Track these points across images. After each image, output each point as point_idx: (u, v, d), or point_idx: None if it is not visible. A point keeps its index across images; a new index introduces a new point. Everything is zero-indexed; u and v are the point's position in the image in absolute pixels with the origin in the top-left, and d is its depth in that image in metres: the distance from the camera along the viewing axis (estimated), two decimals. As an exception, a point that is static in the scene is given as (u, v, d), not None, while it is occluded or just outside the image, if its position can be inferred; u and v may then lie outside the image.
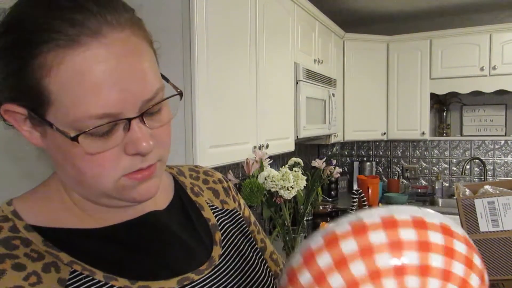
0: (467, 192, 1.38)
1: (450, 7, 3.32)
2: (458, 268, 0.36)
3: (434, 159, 3.87)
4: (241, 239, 0.66)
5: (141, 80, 0.46)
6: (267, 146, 1.91)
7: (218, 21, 1.54)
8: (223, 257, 0.60)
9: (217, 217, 0.66)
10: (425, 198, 3.68)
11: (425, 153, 3.89)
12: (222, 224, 0.65)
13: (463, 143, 3.75)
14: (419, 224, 0.37)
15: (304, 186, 1.49)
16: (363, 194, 2.81)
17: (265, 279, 0.64)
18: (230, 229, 0.66)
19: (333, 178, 1.75)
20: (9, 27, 0.45)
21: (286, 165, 1.56)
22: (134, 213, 0.56)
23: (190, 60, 1.40)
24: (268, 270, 0.66)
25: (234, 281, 0.59)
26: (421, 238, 0.36)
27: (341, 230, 0.38)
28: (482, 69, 3.31)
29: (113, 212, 0.54)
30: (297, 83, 2.31)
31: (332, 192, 3.57)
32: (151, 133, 0.48)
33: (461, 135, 3.77)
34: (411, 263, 0.35)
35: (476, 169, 3.72)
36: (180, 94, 0.51)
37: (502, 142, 3.64)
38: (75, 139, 0.44)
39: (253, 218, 0.74)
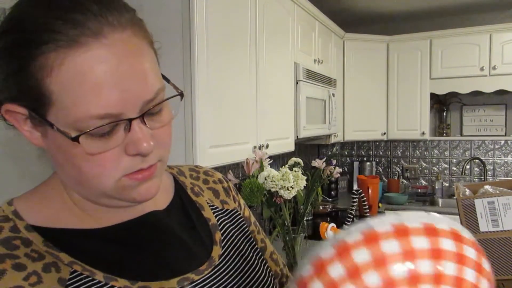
0: (467, 192, 1.38)
1: (450, 7, 3.32)
2: (469, 275, 0.36)
3: (434, 159, 3.87)
4: (241, 239, 0.66)
5: (142, 80, 0.46)
6: (267, 146, 1.91)
7: (218, 21, 1.54)
8: (223, 257, 0.60)
9: (217, 217, 0.66)
10: (425, 198, 3.68)
11: (425, 153, 3.89)
12: (222, 224, 0.65)
13: (463, 143, 3.75)
14: (431, 231, 0.36)
15: (304, 186, 1.49)
16: (363, 194, 2.81)
17: (265, 279, 0.64)
18: (230, 229, 0.66)
19: (333, 178, 1.75)
20: (10, 27, 0.45)
21: (286, 165, 1.56)
22: (134, 213, 0.56)
23: (190, 60, 1.40)
24: (268, 270, 0.66)
25: (234, 281, 0.59)
26: (433, 245, 0.36)
27: (352, 239, 0.37)
28: (482, 69, 3.31)
29: (113, 212, 0.54)
30: (297, 83, 2.31)
31: (332, 192, 3.57)
32: (152, 133, 0.48)
33: (461, 135, 3.77)
34: (425, 272, 0.35)
35: (476, 169, 3.72)
36: (181, 94, 0.51)
37: (502, 142, 3.64)
38: (76, 139, 0.44)
39: (253, 218, 0.74)
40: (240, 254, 0.63)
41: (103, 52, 0.43)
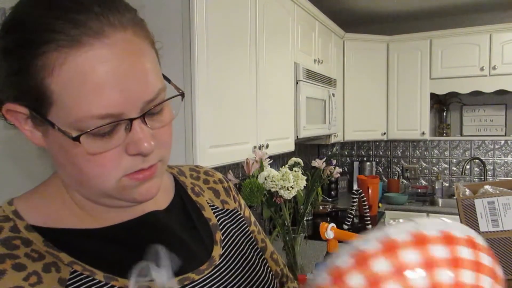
0: (467, 192, 1.38)
1: (450, 7, 3.32)
2: (486, 282, 0.36)
3: (434, 159, 3.87)
4: (242, 239, 0.66)
5: (143, 80, 0.46)
6: (267, 146, 1.91)
7: (218, 21, 1.54)
8: (223, 257, 0.60)
9: (218, 217, 0.66)
10: (425, 198, 3.68)
11: (425, 153, 3.89)
12: (223, 224, 0.65)
13: (463, 143, 3.75)
14: (449, 240, 0.36)
15: (304, 186, 1.49)
16: (363, 194, 2.81)
17: (266, 278, 0.64)
18: (230, 229, 0.66)
19: (333, 178, 1.75)
20: (11, 27, 0.45)
21: (286, 165, 1.56)
22: (135, 213, 0.56)
23: (190, 60, 1.40)
24: (268, 270, 0.66)
25: (235, 281, 0.59)
26: (452, 254, 0.36)
27: (371, 247, 0.36)
28: (482, 69, 3.31)
29: (114, 212, 0.54)
30: (297, 83, 2.31)
31: (332, 192, 3.57)
32: (153, 133, 0.48)
33: (461, 135, 3.78)
34: (445, 281, 0.35)
35: (476, 169, 3.72)
36: (182, 94, 0.51)
37: (502, 142, 3.64)
38: (76, 139, 0.44)
39: (253, 218, 0.74)
40: (241, 254, 0.63)
41: (104, 52, 0.43)
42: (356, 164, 3.97)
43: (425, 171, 3.90)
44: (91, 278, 0.48)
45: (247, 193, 1.40)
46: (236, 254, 0.63)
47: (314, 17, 2.69)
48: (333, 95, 2.93)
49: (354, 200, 2.72)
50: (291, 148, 2.28)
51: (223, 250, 0.61)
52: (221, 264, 0.59)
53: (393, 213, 3.38)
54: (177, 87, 0.51)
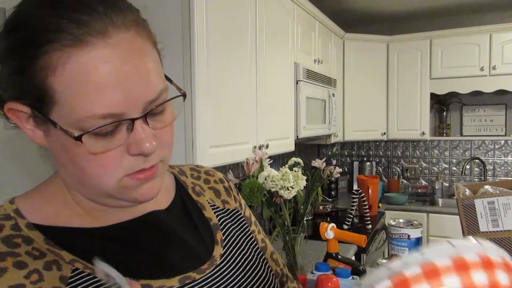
0: (467, 192, 1.38)
1: (450, 7, 3.32)
2: None
3: (434, 159, 3.87)
4: (242, 239, 0.66)
5: (145, 81, 0.46)
6: (267, 146, 1.91)
7: (218, 21, 1.54)
8: (224, 256, 0.61)
9: (219, 216, 0.66)
10: (425, 198, 3.68)
11: (425, 153, 3.89)
12: (224, 224, 0.65)
13: (463, 143, 3.76)
14: (488, 265, 0.36)
15: (304, 186, 1.49)
16: (363, 194, 2.81)
17: (266, 278, 0.64)
18: (231, 228, 0.66)
19: (333, 178, 1.75)
20: (14, 27, 0.45)
21: (286, 165, 1.56)
22: (136, 212, 0.56)
23: (190, 60, 1.40)
24: (269, 270, 0.67)
25: (236, 280, 0.59)
26: (491, 280, 0.35)
27: (411, 272, 0.36)
28: (482, 69, 3.31)
29: (115, 212, 0.54)
30: (297, 83, 2.31)
31: (332, 192, 3.57)
32: (154, 133, 0.48)
33: (461, 135, 3.78)
34: None
35: (476, 169, 3.73)
36: (184, 95, 0.51)
37: (502, 142, 3.64)
38: (78, 138, 0.44)
39: (253, 218, 0.74)
40: (242, 254, 0.63)
41: (107, 52, 0.43)
42: (356, 164, 3.97)
43: (425, 171, 3.90)
44: (92, 276, 0.48)
45: (247, 193, 1.40)
46: (237, 254, 0.63)
47: (314, 17, 2.69)
48: (333, 95, 2.93)
49: (354, 200, 2.72)
50: (291, 148, 2.28)
51: (224, 250, 0.61)
52: (222, 264, 0.59)
53: (393, 213, 3.38)
54: (179, 88, 0.51)
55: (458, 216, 1.36)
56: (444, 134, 3.79)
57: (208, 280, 0.56)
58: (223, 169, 1.98)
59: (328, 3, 3.05)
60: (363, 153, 4.13)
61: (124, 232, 0.54)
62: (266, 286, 0.63)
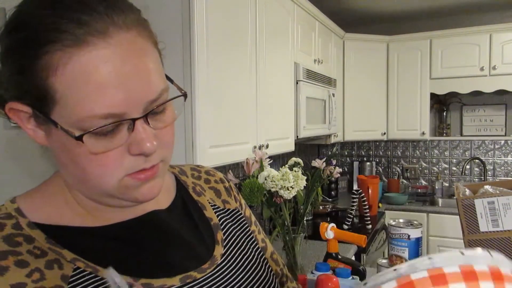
0: (467, 192, 1.38)
1: (450, 7, 3.32)
2: None
3: (434, 159, 3.87)
4: (243, 239, 0.66)
5: (146, 81, 0.46)
6: (267, 146, 1.91)
7: (218, 21, 1.54)
8: (225, 256, 0.61)
9: (219, 216, 0.66)
10: (425, 198, 3.68)
11: (425, 153, 3.89)
12: (224, 224, 0.65)
13: (463, 143, 3.76)
14: (497, 276, 0.36)
15: (304, 186, 1.49)
16: (363, 194, 2.81)
17: (267, 278, 0.65)
18: (232, 228, 0.66)
19: (333, 178, 1.75)
20: (15, 27, 0.45)
21: (286, 165, 1.56)
22: (136, 212, 0.56)
23: (190, 60, 1.40)
24: (269, 269, 0.67)
25: (236, 280, 0.59)
26: None
27: (417, 276, 0.36)
28: (482, 69, 3.31)
29: (116, 211, 0.54)
30: (297, 83, 2.31)
31: (332, 192, 3.57)
32: (155, 133, 0.48)
33: (461, 135, 3.78)
34: None
35: (476, 169, 3.73)
36: (185, 95, 0.51)
37: (502, 142, 3.64)
38: (79, 138, 0.44)
39: (253, 218, 0.74)
40: (242, 254, 0.64)
41: (108, 52, 0.43)
42: (356, 164, 3.97)
43: (425, 171, 3.90)
44: (94, 275, 0.49)
45: (247, 193, 1.40)
46: (237, 254, 0.63)
47: (314, 17, 2.69)
48: (333, 95, 2.93)
49: (354, 200, 2.72)
50: (291, 148, 2.28)
51: (225, 250, 0.61)
52: (223, 264, 0.59)
53: (393, 213, 3.38)
54: (180, 88, 0.51)
55: (458, 216, 1.36)
56: (444, 134, 3.79)
57: (209, 280, 0.56)
58: (223, 169, 1.98)
59: (328, 3, 3.05)
60: (363, 153, 4.13)
61: (125, 231, 0.54)
62: (267, 285, 0.64)
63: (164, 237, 0.57)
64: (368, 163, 3.92)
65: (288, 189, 1.41)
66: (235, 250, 0.63)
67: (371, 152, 4.10)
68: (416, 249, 1.38)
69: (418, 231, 1.38)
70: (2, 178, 1.35)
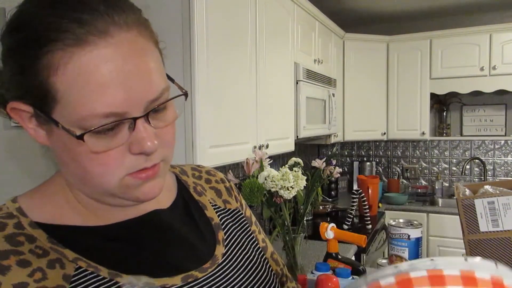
0: (467, 192, 1.38)
1: (450, 7, 3.32)
2: None
3: (434, 159, 3.87)
4: (244, 239, 0.67)
5: (147, 80, 0.46)
6: (267, 146, 1.91)
7: (218, 21, 1.54)
8: (226, 256, 0.61)
9: (220, 216, 0.66)
10: (425, 198, 3.68)
11: (425, 153, 3.89)
12: (225, 224, 0.66)
13: (463, 143, 3.76)
14: (498, 286, 0.35)
15: (304, 186, 1.49)
16: (363, 194, 2.81)
17: (268, 277, 0.65)
18: (232, 228, 0.66)
19: (333, 178, 1.75)
20: (16, 27, 0.45)
21: (286, 165, 1.56)
22: (138, 211, 0.56)
23: (190, 60, 1.40)
24: (270, 269, 0.67)
25: (237, 279, 0.60)
26: None
27: (416, 275, 0.36)
28: (482, 69, 3.31)
29: (117, 211, 0.54)
30: (297, 83, 2.31)
31: (332, 192, 3.57)
32: (156, 132, 0.48)
33: (461, 135, 3.78)
34: None
35: (476, 169, 3.73)
36: (185, 94, 0.52)
37: (502, 142, 3.65)
38: (80, 137, 0.44)
39: (254, 218, 0.74)
40: (243, 253, 0.64)
41: (109, 51, 0.44)
42: (356, 164, 3.97)
43: (425, 171, 3.90)
44: (95, 274, 0.49)
45: (247, 193, 1.40)
46: (238, 253, 0.63)
47: (314, 17, 2.69)
48: (333, 95, 2.93)
49: (354, 200, 2.72)
50: (291, 148, 2.28)
51: (226, 249, 0.62)
52: (224, 263, 0.60)
53: (393, 213, 3.38)
54: (181, 87, 0.52)
55: (458, 216, 1.36)
56: (444, 134, 3.79)
57: (211, 279, 0.56)
58: (223, 169, 1.98)
59: (328, 3, 3.04)
60: (363, 153, 4.13)
61: (126, 231, 0.54)
62: (268, 285, 0.64)
63: (166, 236, 0.57)
64: (368, 163, 3.92)
65: (288, 189, 1.41)
66: (236, 249, 0.63)
67: (371, 152, 4.10)
68: (416, 249, 1.38)
69: (418, 231, 1.38)
70: (3, 178, 1.36)
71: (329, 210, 3.01)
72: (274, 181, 1.42)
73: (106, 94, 0.43)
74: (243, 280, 0.60)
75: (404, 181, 3.93)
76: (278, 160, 2.84)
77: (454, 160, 3.80)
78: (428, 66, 3.49)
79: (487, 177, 3.65)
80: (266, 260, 0.68)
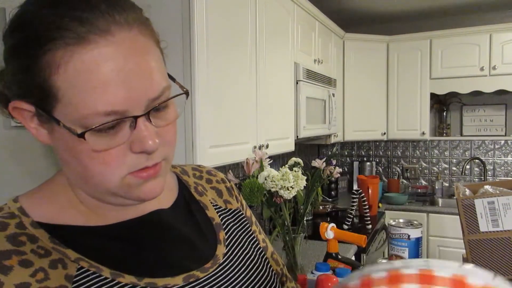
0: (467, 192, 1.38)
1: (450, 7, 3.32)
2: None
3: (434, 159, 3.87)
4: (244, 239, 0.67)
5: (148, 79, 0.46)
6: (267, 146, 1.92)
7: (218, 21, 1.54)
8: (227, 255, 0.61)
9: (221, 216, 0.66)
10: (425, 198, 3.68)
11: (425, 153, 3.89)
12: (226, 224, 0.66)
13: (463, 143, 3.76)
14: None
15: (304, 186, 1.49)
16: (363, 194, 2.81)
17: (269, 277, 0.65)
18: (233, 228, 0.66)
19: (333, 178, 1.75)
20: (18, 26, 0.45)
21: (286, 165, 1.56)
22: (139, 211, 0.56)
23: (190, 60, 1.40)
24: (271, 269, 0.67)
25: (238, 279, 0.60)
26: None
27: (408, 272, 0.36)
28: (482, 69, 3.32)
29: (118, 210, 0.54)
30: (297, 83, 2.31)
31: (332, 192, 3.57)
32: (157, 131, 0.48)
33: (461, 135, 3.78)
34: None
35: (476, 169, 3.73)
36: (186, 93, 0.52)
37: (502, 142, 3.65)
38: (81, 136, 0.44)
39: (254, 218, 0.74)
40: (244, 253, 0.64)
41: (110, 50, 0.44)
42: (356, 164, 3.97)
43: (425, 171, 3.90)
44: (97, 274, 0.49)
45: (247, 193, 1.40)
46: (239, 253, 0.63)
47: (314, 17, 2.69)
48: (333, 95, 2.93)
49: (354, 200, 2.72)
50: (291, 148, 2.28)
51: (227, 249, 0.62)
52: (225, 263, 0.60)
53: (393, 213, 3.38)
54: (182, 86, 0.52)
55: (458, 216, 1.36)
56: (444, 134, 3.79)
57: (212, 279, 0.56)
58: (223, 169, 1.98)
59: (328, 3, 3.05)
60: (363, 153, 4.13)
61: (128, 230, 0.54)
62: (268, 285, 0.64)
63: (167, 236, 0.57)
64: (368, 163, 3.92)
65: (288, 189, 1.41)
66: (237, 249, 0.63)
67: (371, 152, 4.10)
68: (416, 249, 1.38)
69: (418, 231, 1.38)
70: (3, 178, 1.36)
71: (329, 210, 3.01)
72: (274, 181, 1.42)
73: (107, 93, 0.43)
74: (244, 280, 0.60)
75: (404, 181, 3.93)
76: (278, 160, 2.84)
77: (454, 160, 3.80)
78: (428, 66, 3.49)
79: (487, 177, 3.65)
80: (267, 260, 0.68)
